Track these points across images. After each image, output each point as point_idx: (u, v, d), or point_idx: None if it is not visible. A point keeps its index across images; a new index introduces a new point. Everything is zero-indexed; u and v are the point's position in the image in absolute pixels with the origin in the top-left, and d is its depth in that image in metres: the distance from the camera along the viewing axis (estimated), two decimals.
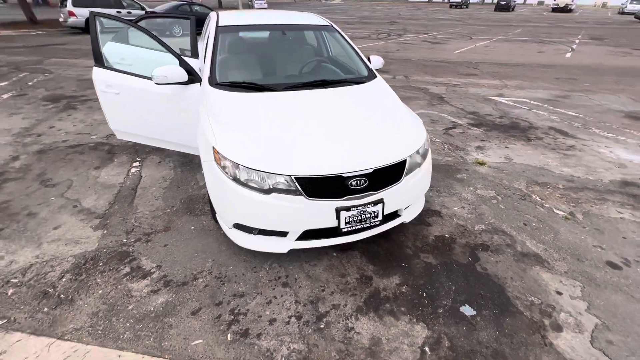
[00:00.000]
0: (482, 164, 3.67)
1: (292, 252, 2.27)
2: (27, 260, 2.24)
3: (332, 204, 1.92)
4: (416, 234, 2.57)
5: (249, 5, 30.72)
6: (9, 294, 1.99)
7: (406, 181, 2.13)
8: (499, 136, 4.44)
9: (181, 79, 2.58)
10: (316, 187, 1.89)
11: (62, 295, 1.98)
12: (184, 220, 2.64)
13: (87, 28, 13.44)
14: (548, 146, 4.16)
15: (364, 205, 1.97)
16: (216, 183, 2.05)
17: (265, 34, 3.28)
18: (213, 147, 2.03)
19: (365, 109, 2.44)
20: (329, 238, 2.06)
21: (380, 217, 2.06)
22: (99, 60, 2.90)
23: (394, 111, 2.48)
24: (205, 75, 2.57)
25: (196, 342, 1.74)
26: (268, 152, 1.94)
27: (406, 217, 2.35)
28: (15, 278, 2.10)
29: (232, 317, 1.87)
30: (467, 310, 1.94)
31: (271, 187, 1.89)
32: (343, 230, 1.99)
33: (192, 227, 2.57)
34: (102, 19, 2.93)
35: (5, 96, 5.63)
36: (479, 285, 2.12)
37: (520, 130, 4.67)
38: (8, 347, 1.69)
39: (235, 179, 1.93)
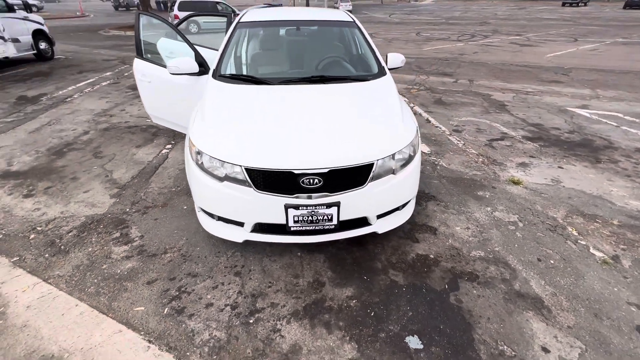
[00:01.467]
0: (516, 183, 3.11)
1: (258, 244, 2.28)
2: (54, 214, 2.71)
3: (280, 200, 1.86)
4: (396, 248, 2.32)
5: (334, 7, 31.41)
6: (30, 238, 2.45)
7: (372, 187, 1.94)
8: (556, 154, 3.70)
9: (192, 70, 2.79)
10: (266, 180, 1.86)
11: (62, 247, 2.35)
12: (181, 200, 2.87)
13: (187, 28, 15.53)
14: (622, 172, 3.31)
15: (315, 206, 1.86)
16: (187, 168, 2.18)
17: (283, 30, 3.33)
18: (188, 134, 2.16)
19: (351, 106, 2.29)
20: (280, 235, 2.01)
21: (334, 222, 1.92)
22: (139, 52, 3.33)
23: (383, 112, 2.28)
24: (212, 67, 2.74)
25: (138, 308, 1.89)
26: (229, 141, 1.98)
27: (379, 227, 2.14)
28: (40, 227, 2.56)
29: (177, 293, 1.97)
30: (413, 342, 1.68)
31: (226, 175, 1.93)
32: (292, 228, 1.92)
33: (185, 207, 2.78)
34: (145, 16, 3.36)
35: (104, 83, 6.87)
36: (442, 318, 1.81)
37: (591, 149, 3.82)
38: (9, 279, 2.09)
39: (198, 165, 2.02)
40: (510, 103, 5.51)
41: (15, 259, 2.24)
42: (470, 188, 3.05)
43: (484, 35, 14.22)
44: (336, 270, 2.15)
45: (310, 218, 1.89)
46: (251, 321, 1.80)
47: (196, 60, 2.85)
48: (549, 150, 3.79)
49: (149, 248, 2.33)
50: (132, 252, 2.29)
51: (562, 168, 3.40)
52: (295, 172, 1.82)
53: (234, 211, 2.00)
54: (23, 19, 8.47)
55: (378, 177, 1.95)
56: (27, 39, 8.49)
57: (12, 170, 3.41)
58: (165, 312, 1.86)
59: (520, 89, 6.30)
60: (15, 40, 7.93)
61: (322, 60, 2.88)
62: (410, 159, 2.11)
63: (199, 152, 2.00)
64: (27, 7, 8.94)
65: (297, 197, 1.86)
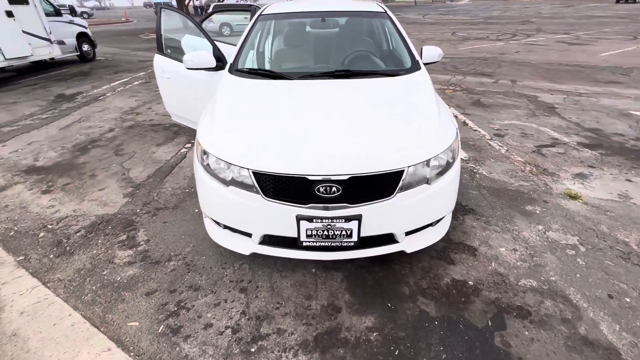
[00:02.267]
0: (574, 197, 2.64)
1: (268, 256, 2.04)
2: (66, 212, 2.64)
3: (292, 210, 1.60)
4: (427, 270, 1.98)
5: None
6: (40, 236, 2.37)
7: (401, 198, 1.62)
8: (622, 164, 3.15)
9: (209, 65, 2.62)
10: (276, 187, 1.61)
11: (68, 247, 2.25)
12: (193, 202, 2.70)
13: (220, 31, 15.88)
14: None
15: (332, 218, 1.58)
16: (194, 169, 1.98)
17: (307, 22, 3.08)
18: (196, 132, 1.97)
19: (379, 104, 1.99)
20: (291, 249, 1.75)
21: (354, 238, 1.63)
22: (160, 48, 3.23)
23: (416, 111, 1.95)
24: (229, 62, 2.55)
25: (132, 323, 1.70)
26: (238, 141, 1.75)
27: (408, 245, 1.82)
28: (51, 225, 2.49)
29: (176, 309, 1.77)
30: None
31: (232, 179, 1.70)
32: (304, 243, 1.65)
33: (196, 211, 2.60)
34: (167, 11, 3.26)
35: (136, 83, 7.02)
36: None
37: None
38: (11, 280, 1.99)
39: (203, 166, 1.81)
40: (560, 105, 4.91)
41: (20, 258, 2.16)
42: (517, 201, 2.62)
43: (526, 34, 13.21)
44: (355, 293, 1.85)
45: (325, 233, 1.62)
46: (253, 350, 1.55)
47: (214, 54, 2.68)
48: (612, 160, 3.24)
49: (153, 254, 2.16)
50: (136, 258, 2.13)
51: (631, 181, 2.86)
52: (310, 178, 1.55)
53: (240, 220, 1.77)
54: (68, 23, 8.95)
55: (409, 186, 1.64)
56: (72, 41, 8.96)
57: (37, 165, 3.44)
58: (160, 331, 1.65)
59: (571, 90, 5.64)
60: (60, 43, 8.37)
61: (348, 54, 2.60)
62: (448, 166, 1.77)
63: (205, 152, 1.79)
64: (73, 11, 9.43)
65: (311, 208, 1.59)
